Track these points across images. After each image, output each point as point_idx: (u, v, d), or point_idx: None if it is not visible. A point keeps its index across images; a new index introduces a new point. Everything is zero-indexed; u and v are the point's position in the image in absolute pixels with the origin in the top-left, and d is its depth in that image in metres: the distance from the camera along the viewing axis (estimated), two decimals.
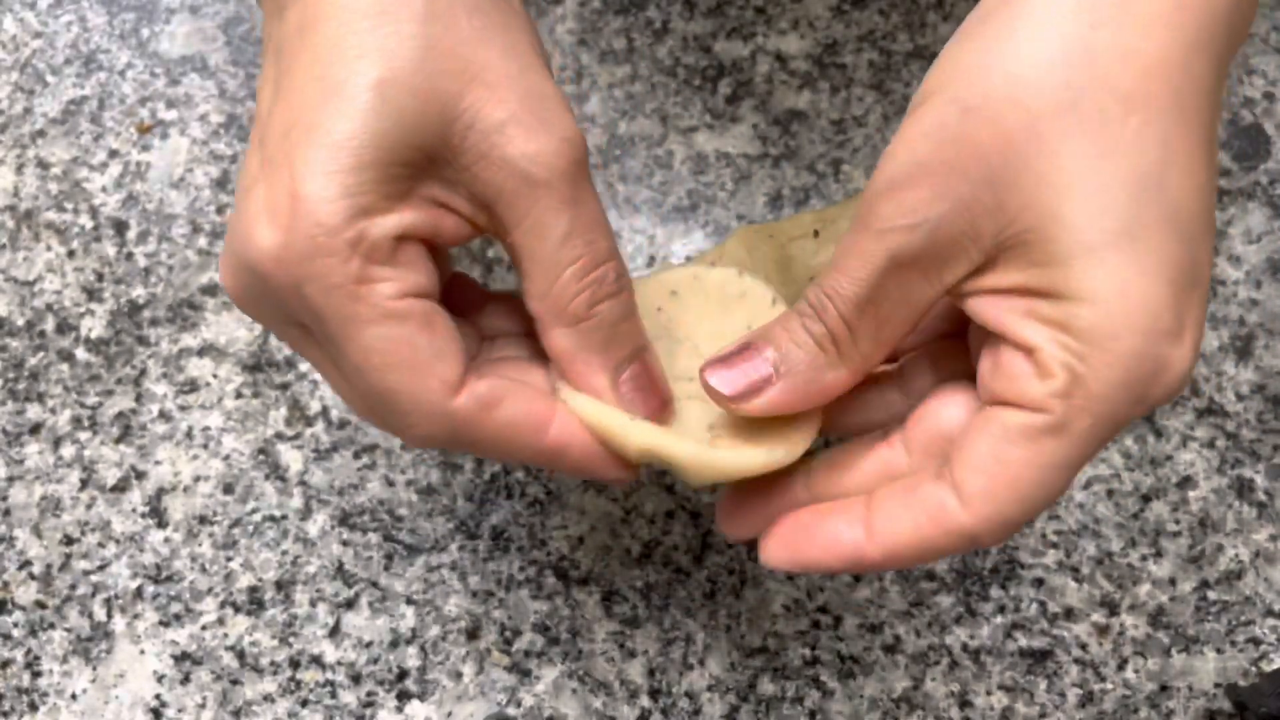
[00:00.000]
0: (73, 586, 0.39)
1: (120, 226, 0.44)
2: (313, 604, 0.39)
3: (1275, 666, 0.38)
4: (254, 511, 0.40)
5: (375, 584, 0.39)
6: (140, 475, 0.41)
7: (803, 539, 0.27)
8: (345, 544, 0.40)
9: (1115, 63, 0.24)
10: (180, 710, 0.38)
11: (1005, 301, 0.25)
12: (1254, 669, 0.38)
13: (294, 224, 0.24)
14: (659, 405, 0.29)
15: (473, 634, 0.39)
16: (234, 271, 0.26)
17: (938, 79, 0.25)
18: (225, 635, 0.39)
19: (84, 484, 0.41)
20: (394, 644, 0.38)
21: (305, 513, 0.40)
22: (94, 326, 0.43)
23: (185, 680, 0.38)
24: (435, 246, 0.27)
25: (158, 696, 0.38)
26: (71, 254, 0.44)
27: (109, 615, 0.39)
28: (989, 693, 0.38)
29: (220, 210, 0.45)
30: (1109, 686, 0.38)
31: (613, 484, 0.31)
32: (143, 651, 0.38)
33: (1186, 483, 0.40)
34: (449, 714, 0.38)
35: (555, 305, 0.27)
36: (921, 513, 0.26)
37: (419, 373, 0.25)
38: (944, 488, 0.26)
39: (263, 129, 0.26)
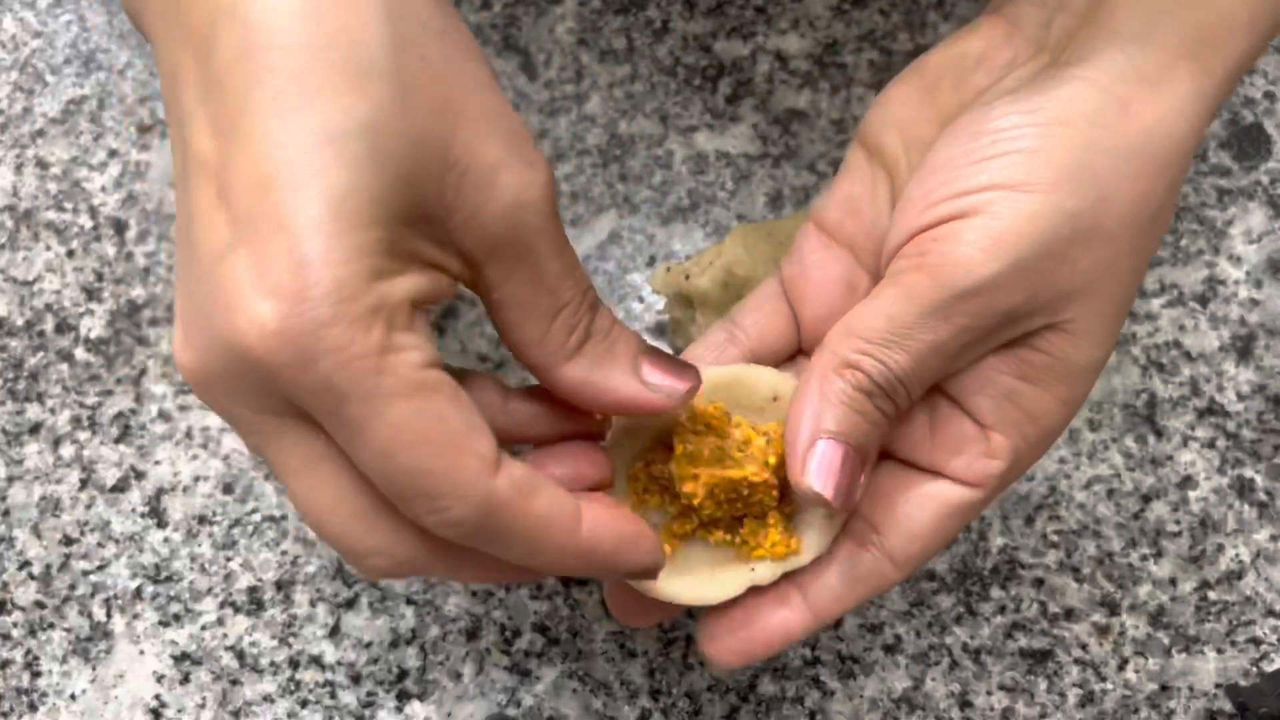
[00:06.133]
0: (72, 587, 0.39)
1: (120, 226, 0.44)
2: (312, 604, 0.39)
3: (1276, 667, 0.38)
4: (253, 511, 0.40)
5: (375, 584, 0.39)
6: (140, 475, 0.41)
7: (753, 634, 0.29)
8: None
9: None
10: (180, 710, 0.38)
11: (997, 377, 0.27)
12: (1255, 669, 0.38)
13: (302, 292, 0.21)
14: (694, 374, 0.28)
15: (472, 634, 0.39)
16: (204, 353, 0.23)
17: (1036, 172, 0.26)
18: (225, 635, 0.39)
19: (83, 484, 0.41)
20: (394, 644, 0.38)
21: None
22: (93, 326, 0.43)
23: (185, 680, 0.38)
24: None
25: (157, 697, 0.38)
26: (71, 254, 0.44)
27: (108, 615, 0.39)
28: (989, 693, 0.38)
29: None
30: (1109, 687, 0.38)
31: (644, 579, 0.30)
32: (142, 652, 0.38)
33: (1187, 483, 0.40)
34: (449, 714, 0.38)
35: (555, 345, 0.26)
36: (864, 586, 0.29)
37: (456, 449, 0.22)
38: (879, 557, 0.29)
39: (218, 182, 0.22)
